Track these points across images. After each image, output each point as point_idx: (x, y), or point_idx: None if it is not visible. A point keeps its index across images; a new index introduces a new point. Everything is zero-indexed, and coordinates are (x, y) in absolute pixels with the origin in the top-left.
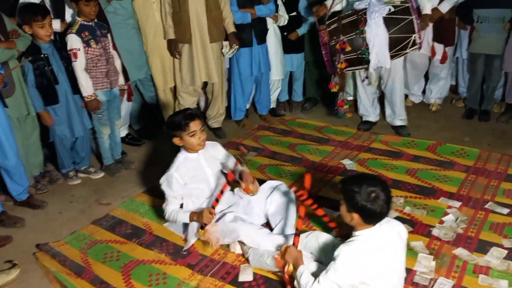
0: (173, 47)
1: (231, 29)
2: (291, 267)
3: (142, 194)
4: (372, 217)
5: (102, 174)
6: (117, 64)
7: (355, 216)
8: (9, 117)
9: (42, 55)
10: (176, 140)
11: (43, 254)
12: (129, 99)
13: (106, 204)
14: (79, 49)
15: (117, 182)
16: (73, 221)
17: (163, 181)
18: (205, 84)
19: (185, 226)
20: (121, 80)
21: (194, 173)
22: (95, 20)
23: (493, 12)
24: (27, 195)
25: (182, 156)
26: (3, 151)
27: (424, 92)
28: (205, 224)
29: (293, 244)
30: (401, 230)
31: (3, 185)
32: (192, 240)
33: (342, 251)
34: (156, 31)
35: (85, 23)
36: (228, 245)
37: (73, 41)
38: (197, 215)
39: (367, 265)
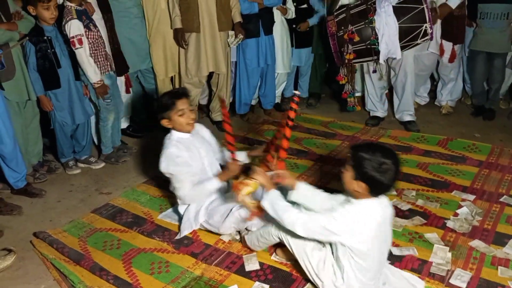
0: (180, 37)
1: (237, 18)
2: (252, 185)
3: (143, 184)
4: (378, 189)
5: (103, 164)
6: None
7: (362, 185)
8: (9, 101)
9: (45, 37)
10: (164, 122)
11: (39, 242)
12: (127, 91)
13: (106, 193)
14: (82, 35)
15: (118, 173)
16: (72, 209)
17: (164, 164)
18: (209, 77)
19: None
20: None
21: (189, 154)
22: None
23: (496, 7)
24: (25, 182)
25: (175, 135)
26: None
27: (430, 93)
28: (236, 177)
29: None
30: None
31: (0, 173)
32: (186, 231)
33: (343, 206)
34: (161, 18)
35: (78, 8)
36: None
37: (76, 27)
38: (224, 173)
39: (363, 228)
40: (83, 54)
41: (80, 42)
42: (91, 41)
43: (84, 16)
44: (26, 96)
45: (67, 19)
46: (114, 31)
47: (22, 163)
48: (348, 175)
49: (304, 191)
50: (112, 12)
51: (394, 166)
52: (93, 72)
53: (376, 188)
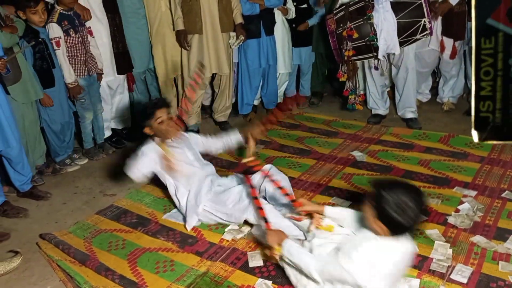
0: (182, 38)
1: (238, 20)
2: (278, 249)
3: (147, 186)
4: (398, 231)
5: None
6: (95, 51)
7: (382, 226)
8: (18, 103)
9: (40, 39)
10: (146, 130)
11: (45, 243)
12: (130, 89)
13: (111, 195)
14: (60, 38)
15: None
16: (77, 211)
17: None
18: (212, 78)
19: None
20: (99, 65)
21: (178, 158)
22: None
23: None
24: (30, 185)
25: (154, 143)
26: (6, 138)
27: (432, 89)
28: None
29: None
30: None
31: (6, 176)
32: (191, 219)
33: (361, 246)
34: (161, 20)
35: (65, 12)
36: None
37: (55, 30)
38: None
39: (380, 268)
40: (61, 55)
41: (58, 44)
42: (68, 45)
43: (67, 21)
44: (33, 96)
45: (48, 21)
46: (121, 31)
47: (28, 166)
48: (368, 213)
49: (332, 215)
50: (119, 12)
51: (415, 205)
52: (68, 73)
53: (396, 230)
